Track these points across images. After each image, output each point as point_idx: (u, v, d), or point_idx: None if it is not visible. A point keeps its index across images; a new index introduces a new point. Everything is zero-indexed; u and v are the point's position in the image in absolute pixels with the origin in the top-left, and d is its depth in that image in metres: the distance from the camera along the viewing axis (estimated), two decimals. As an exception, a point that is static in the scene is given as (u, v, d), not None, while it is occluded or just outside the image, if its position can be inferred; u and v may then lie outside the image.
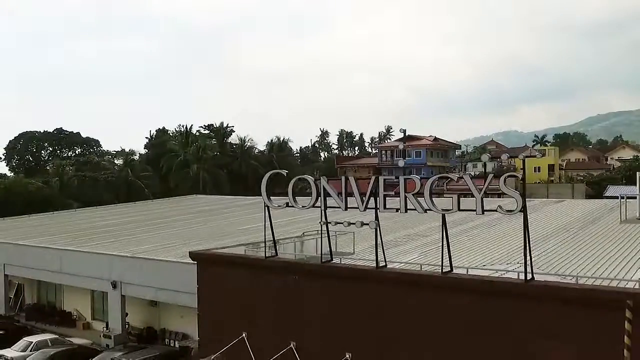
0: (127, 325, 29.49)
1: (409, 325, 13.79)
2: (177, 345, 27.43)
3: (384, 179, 14.30)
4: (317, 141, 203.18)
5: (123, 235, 37.26)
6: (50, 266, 32.74)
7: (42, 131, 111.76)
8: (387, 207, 14.37)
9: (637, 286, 11.48)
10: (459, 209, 12.95)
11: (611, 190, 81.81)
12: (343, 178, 15.06)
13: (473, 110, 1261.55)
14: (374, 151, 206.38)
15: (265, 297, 16.51)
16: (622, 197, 21.30)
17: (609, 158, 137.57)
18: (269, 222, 16.39)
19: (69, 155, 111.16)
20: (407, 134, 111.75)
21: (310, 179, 15.96)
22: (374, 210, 14.60)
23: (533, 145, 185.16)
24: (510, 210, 12.41)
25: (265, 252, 16.91)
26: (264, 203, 16.45)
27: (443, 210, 13.26)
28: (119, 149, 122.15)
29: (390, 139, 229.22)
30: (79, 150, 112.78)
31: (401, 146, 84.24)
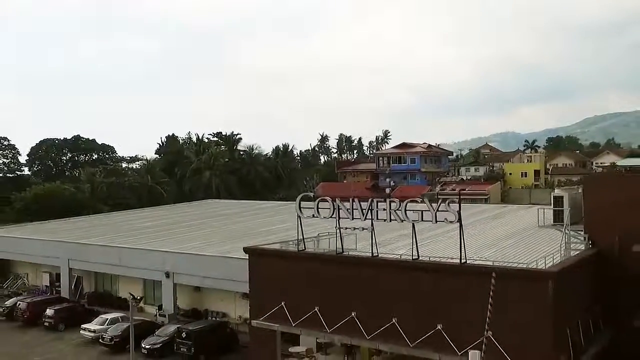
0: (177, 307, 37.44)
1: (391, 292, 21.68)
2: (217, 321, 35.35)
3: (377, 201, 22.18)
4: (317, 145, 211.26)
5: (167, 234, 45.28)
6: (110, 260, 40.71)
7: (61, 138, 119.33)
8: (379, 217, 22.27)
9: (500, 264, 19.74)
10: (422, 220, 20.89)
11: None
12: (351, 199, 22.82)
13: (472, 111, 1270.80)
14: (373, 153, 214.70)
15: (297, 277, 24.39)
16: (541, 208, 29.12)
17: (594, 163, 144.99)
18: (300, 227, 24.24)
19: (86, 160, 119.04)
20: (402, 142, 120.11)
21: (329, 199, 23.73)
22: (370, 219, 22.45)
23: (524, 150, 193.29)
24: (451, 221, 20.31)
25: (297, 247, 24.85)
26: (297, 214, 24.32)
27: (413, 220, 21.21)
28: (133, 155, 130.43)
29: (387, 142, 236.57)
30: (96, 156, 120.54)
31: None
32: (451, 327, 20.03)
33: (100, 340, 32.93)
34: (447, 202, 20.04)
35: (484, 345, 17.61)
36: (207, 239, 42.23)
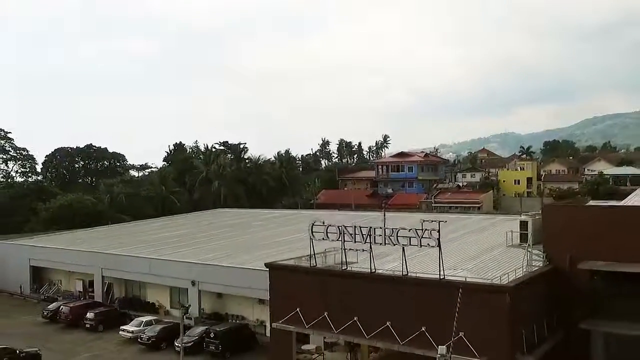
0: (202, 311, 42.91)
1: (386, 301, 27.12)
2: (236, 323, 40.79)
3: (375, 228, 27.62)
4: (318, 150, 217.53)
5: (189, 245, 50.98)
6: (140, 270, 46.31)
7: (74, 147, 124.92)
8: (376, 241, 27.72)
9: (467, 280, 25.13)
10: (410, 244, 26.35)
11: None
12: (354, 227, 28.23)
13: (472, 111, 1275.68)
14: (372, 159, 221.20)
15: (309, 288, 29.78)
16: (509, 231, 34.58)
17: (585, 169, 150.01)
18: (312, 247, 29.72)
19: (98, 168, 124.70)
20: (400, 151, 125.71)
21: (334, 226, 29.11)
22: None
23: (520, 155, 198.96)
24: (433, 246, 25.73)
25: (310, 262, 30.30)
26: (310, 237, 29.74)
27: (403, 244, 26.64)
28: (143, 162, 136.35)
29: (387, 146, 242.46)
30: (107, 163, 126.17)
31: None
32: (432, 328, 25.45)
33: (138, 340, 38.38)
34: (429, 230, 25.47)
35: (451, 343, 23.09)
36: (225, 250, 47.75)
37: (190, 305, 38.33)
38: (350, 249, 28.70)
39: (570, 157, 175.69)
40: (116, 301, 48.75)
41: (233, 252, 46.96)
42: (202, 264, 42.65)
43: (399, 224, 51.83)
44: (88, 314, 42.99)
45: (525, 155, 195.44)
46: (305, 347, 33.77)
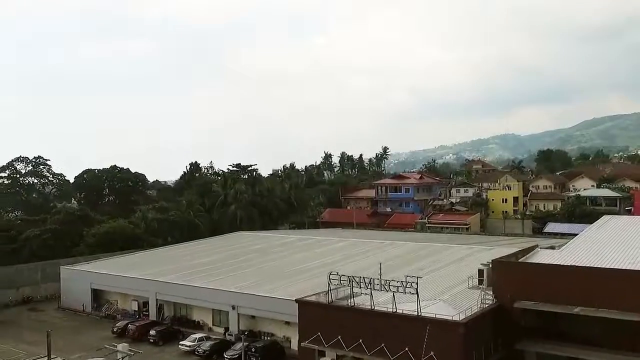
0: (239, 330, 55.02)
1: (381, 328, 39.14)
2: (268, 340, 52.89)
3: (374, 279, 39.73)
4: (321, 162, 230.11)
5: (224, 272, 63.10)
6: (189, 295, 58.49)
7: (101, 168, 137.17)
8: (375, 287, 39.83)
9: (434, 316, 37.24)
10: (398, 291, 38.41)
11: (550, 227, 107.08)
12: (359, 278, 40.34)
13: (472, 112, 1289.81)
14: (372, 169, 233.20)
15: (327, 317, 41.89)
16: (470, 277, 46.75)
17: (571, 186, 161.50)
18: (329, 287, 41.85)
19: (122, 187, 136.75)
20: (397, 173, 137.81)
21: (346, 278, 41.23)
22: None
23: (512, 169, 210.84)
24: (413, 293, 37.75)
25: (327, 299, 42.38)
26: (327, 282, 41.82)
27: (392, 290, 38.71)
28: (162, 181, 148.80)
29: (387, 158, 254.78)
30: (131, 183, 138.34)
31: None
32: (413, 349, 37.63)
33: (195, 352, 50.48)
34: (411, 283, 37.64)
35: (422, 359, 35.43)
36: (256, 277, 59.89)
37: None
38: (357, 294, 40.94)
39: (557, 173, 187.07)
40: (167, 319, 60.81)
41: (263, 279, 58.96)
42: (241, 293, 54.77)
43: (394, 254, 65.33)
44: (151, 331, 55.08)
45: (516, 170, 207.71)
46: (322, 359, 45.88)
